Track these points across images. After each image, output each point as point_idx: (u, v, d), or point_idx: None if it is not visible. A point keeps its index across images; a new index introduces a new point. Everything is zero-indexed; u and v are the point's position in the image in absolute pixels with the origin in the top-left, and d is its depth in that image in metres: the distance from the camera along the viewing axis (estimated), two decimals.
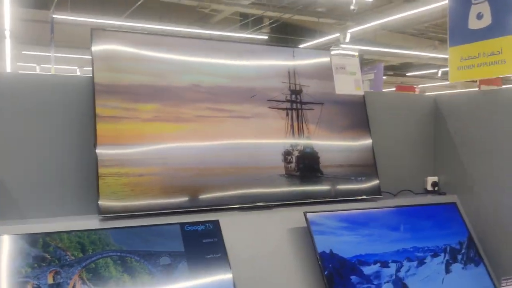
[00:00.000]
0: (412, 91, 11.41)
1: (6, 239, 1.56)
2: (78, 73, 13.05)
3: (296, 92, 2.25)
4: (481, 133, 2.41)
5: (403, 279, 2.01)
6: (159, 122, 1.95)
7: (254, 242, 1.93)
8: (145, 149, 1.91)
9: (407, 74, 16.58)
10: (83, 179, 1.89)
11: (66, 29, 9.47)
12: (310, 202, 2.15)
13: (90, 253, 1.62)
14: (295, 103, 2.24)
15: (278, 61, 2.28)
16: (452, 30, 2.51)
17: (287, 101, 2.23)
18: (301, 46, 9.78)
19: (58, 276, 1.55)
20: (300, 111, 2.25)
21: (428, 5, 8.21)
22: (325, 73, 2.36)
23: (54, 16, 8.85)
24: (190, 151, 1.98)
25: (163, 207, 1.88)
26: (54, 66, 9.89)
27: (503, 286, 1.89)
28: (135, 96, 1.93)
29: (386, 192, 2.40)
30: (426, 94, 2.87)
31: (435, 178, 2.63)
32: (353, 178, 2.28)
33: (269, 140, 2.16)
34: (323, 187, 2.23)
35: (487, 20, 2.38)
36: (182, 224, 1.78)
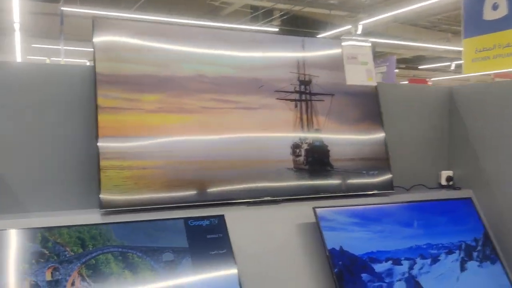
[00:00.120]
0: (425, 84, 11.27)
1: (3, 234, 1.51)
2: None
3: (305, 82, 2.18)
4: (498, 126, 2.34)
5: (416, 277, 1.95)
6: (162, 113, 1.90)
7: (261, 238, 1.88)
8: (148, 141, 1.86)
9: (420, 67, 16.42)
10: (84, 172, 1.85)
11: (75, 22, 9.46)
12: (320, 197, 2.09)
13: (90, 248, 1.57)
14: (304, 94, 2.17)
15: (287, 51, 2.21)
16: (467, 21, 2.42)
17: (296, 92, 2.16)
18: None
19: (57, 273, 1.50)
20: (309, 102, 2.18)
21: None
22: (336, 63, 2.29)
23: (63, 8, 8.84)
24: (194, 144, 1.93)
25: (167, 201, 1.83)
26: (64, 59, 9.89)
27: None
28: (138, 86, 1.88)
29: (398, 187, 2.34)
30: (441, 86, 2.78)
31: (450, 172, 2.56)
32: (364, 172, 2.22)
33: (277, 132, 2.09)
34: (333, 181, 2.16)
35: (503, 11, 2.29)
36: (186, 219, 1.73)
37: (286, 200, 2.03)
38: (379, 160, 2.27)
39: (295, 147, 2.11)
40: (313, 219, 1.90)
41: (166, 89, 1.92)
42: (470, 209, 2.27)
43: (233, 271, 1.68)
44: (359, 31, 10.11)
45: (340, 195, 2.14)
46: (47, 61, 13.20)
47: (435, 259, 2.02)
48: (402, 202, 2.15)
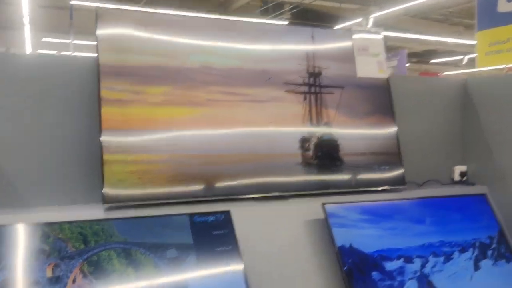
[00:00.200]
0: None
1: (3, 229, 1.48)
2: None
3: (314, 74, 2.14)
4: None
5: (428, 276, 1.90)
6: (168, 106, 1.86)
7: (268, 235, 1.84)
8: (153, 134, 1.82)
9: (431, 61, 16.26)
10: (88, 166, 1.82)
11: (85, 15, 9.44)
12: (329, 192, 2.05)
13: (93, 244, 1.53)
14: (314, 87, 2.13)
15: (296, 42, 2.16)
16: (480, 13, 2.35)
17: (305, 84, 2.11)
18: None
19: (58, 269, 1.46)
20: (318, 95, 2.13)
21: None
22: (346, 55, 2.24)
23: (72, 2, 8.82)
24: (201, 137, 1.89)
25: (172, 196, 1.80)
26: (74, 54, 9.91)
27: None
28: (143, 78, 1.84)
29: (411, 182, 2.29)
30: (455, 78, 2.73)
31: (464, 168, 2.51)
32: (375, 167, 2.17)
33: (285, 126, 2.05)
34: (343, 177, 2.12)
35: None
36: (191, 215, 1.69)
37: (294, 195, 1.99)
38: (390, 155, 2.22)
39: (304, 141, 2.07)
40: (322, 216, 1.86)
41: (172, 81, 1.88)
42: (485, 206, 2.22)
43: (239, 268, 1.64)
44: (369, 25, 10.01)
45: (350, 191, 2.10)
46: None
47: (448, 257, 1.98)
48: (414, 198, 2.11)
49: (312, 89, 2.12)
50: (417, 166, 2.36)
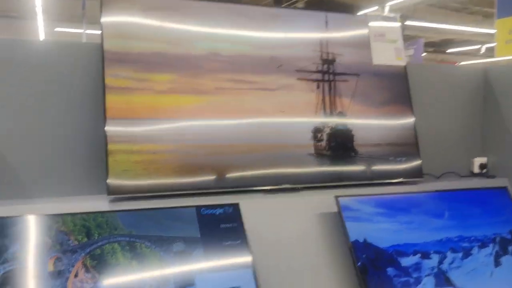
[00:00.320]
0: None
1: (4, 221, 1.43)
2: None
3: (328, 61, 2.09)
4: None
5: (446, 272, 1.84)
6: (175, 94, 1.82)
7: (278, 229, 1.79)
8: (159, 124, 1.79)
9: (448, 50, 16.04)
10: (93, 156, 1.78)
11: (97, 5, 9.42)
12: (342, 185, 2.01)
13: (96, 237, 1.49)
14: (327, 74, 2.08)
15: (308, 27, 2.10)
16: (501, 0, 2.28)
17: (318, 71, 2.06)
18: None
19: (60, 263, 1.42)
20: (332, 83, 2.08)
21: None
22: (362, 41, 2.19)
23: None
24: (208, 127, 1.85)
25: (178, 187, 1.76)
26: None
27: None
28: (148, 65, 1.80)
29: (428, 174, 2.26)
30: (475, 66, 2.67)
31: (484, 159, 2.46)
32: (391, 158, 2.13)
33: (297, 115, 2.01)
34: (357, 168, 2.07)
35: None
36: (198, 207, 1.64)
37: (306, 188, 1.95)
38: (407, 146, 2.18)
39: (317, 131, 2.02)
40: (335, 209, 1.81)
41: (179, 68, 1.85)
42: (506, 199, 2.15)
43: (247, 263, 1.59)
44: (385, 13, 9.87)
45: (364, 183, 2.06)
46: None
47: (467, 253, 1.92)
48: (431, 191, 2.05)
49: (326, 77, 2.08)
50: (435, 158, 2.32)
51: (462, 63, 15.30)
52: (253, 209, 1.73)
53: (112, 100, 1.72)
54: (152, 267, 1.50)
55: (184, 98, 1.83)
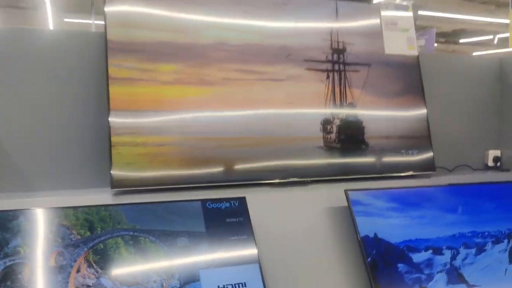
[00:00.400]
0: None
1: (4, 215, 1.41)
2: None
3: (338, 51, 2.06)
4: None
5: (459, 269, 1.80)
6: (180, 85, 1.80)
7: (286, 223, 1.76)
8: (164, 115, 1.77)
9: (460, 41, 15.86)
10: (96, 149, 1.77)
11: None
12: (352, 178, 1.99)
13: (99, 232, 1.46)
14: (337, 64, 2.05)
15: (318, 15, 2.06)
16: None
17: (328, 61, 2.04)
18: None
19: (61, 258, 1.39)
20: (342, 73, 2.05)
21: None
22: (373, 30, 2.15)
23: None
24: (215, 119, 1.83)
25: (183, 181, 1.74)
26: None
27: None
28: (153, 55, 1.78)
29: (440, 168, 2.24)
30: (489, 57, 2.63)
31: (498, 152, 2.43)
32: (403, 151, 2.10)
33: (306, 106, 1.98)
34: (368, 161, 2.04)
35: None
36: (203, 201, 1.61)
37: (314, 181, 1.93)
38: (419, 138, 2.15)
39: (326, 123, 2.00)
40: (344, 203, 1.77)
41: (184, 58, 1.82)
42: None
43: (254, 258, 1.55)
44: (397, 1, 9.74)
45: (375, 177, 2.03)
46: None
47: (480, 249, 1.87)
48: (444, 185, 2.01)
49: (336, 67, 2.05)
50: (448, 150, 2.30)
51: (475, 53, 15.13)
52: (260, 203, 1.70)
53: (115, 91, 1.70)
54: (156, 262, 1.46)
55: (190, 89, 1.81)
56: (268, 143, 1.88)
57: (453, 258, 1.81)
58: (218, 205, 1.62)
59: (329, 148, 1.99)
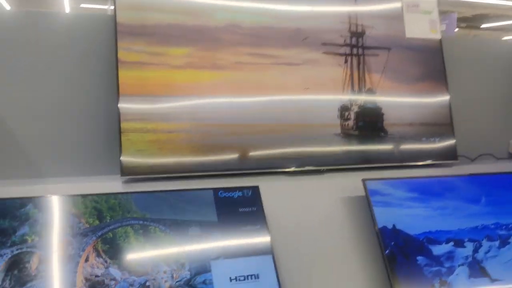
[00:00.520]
0: None
1: (11, 202, 1.39)
2: None
3: (357, 34, 2.01)
4: None
5: (481, 262, 1.75)
6: (191, 69, 1.76)
7: (301, 213, 1.72)
8: (175, 101, 1.73)
9: (482, 26, 15.58)
10: (107, 135, 1.74)
11: None
12: (370, 167, 1.95)
13: (108, 220, 1.43)
14: (356, 48, 2.00)
15: None
16: None
17: (346, 45, 1.98)
18: None
19: (70, 247, 1.36)
20: (361, 57, 2.00)
21: None
22: (394, 12, 2.09)
23: None
24: (228, 104, 1.79)
25: (195, 169, 1.71)
26: None
27: None
28: (163, 38, 1.74)
29: (462, 156, 2.17)
30: None
31: None
32: (424, 139, 2.05)
33: (323, 92, 1.93)
34: (387, 149, 2.00)
35: None
36: (215, 190, 1.58)
37: (331, 170, 1.89)
38: (441, 126, 2.10)
39: (344, 109, 1.96)
40: (362, 192, 1.73)
41: (196, 41, 1.78)
42: None
43: (267, 249, 1.52)
44: None
45: (394, 166, 1.99)
46: None
47: (504, 242, 1.82)
48: (466, 175, 1.95)
49: (354, 51, 2.00)
50: (470, 139, 2.23)
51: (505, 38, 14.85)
52: (274, 192, 1.67)
53: (125, 75, 1.67)
54: (167, 252, 1.44)
55: (202, 74, 1.77)
56: (282, 130, 1.85)
57: (475, 251, 1.77)
58: (231, 194, 1.59)
59: (346, 135, 1.95)
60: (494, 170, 2.07)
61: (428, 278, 1.66)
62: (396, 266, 1.63)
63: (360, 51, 2.01)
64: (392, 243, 1.67)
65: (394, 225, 1.70)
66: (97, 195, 1.46)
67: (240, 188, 1.60)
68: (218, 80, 1.78)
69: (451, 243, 1.75)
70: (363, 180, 1.74)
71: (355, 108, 1.98)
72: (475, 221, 1.82)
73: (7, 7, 9.54)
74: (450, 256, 1.72)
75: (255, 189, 1.61)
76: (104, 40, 1.73)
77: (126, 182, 1.63)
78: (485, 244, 1.79)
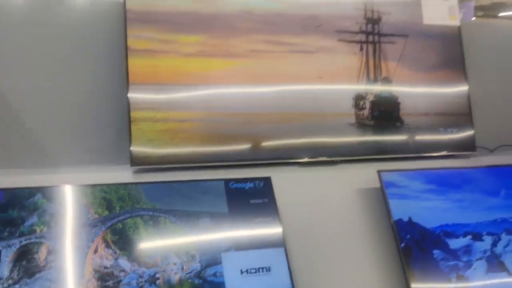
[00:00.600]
0: None
1: (20, 192, 1.37)
2: None
3: (373, 21, 1.97)
4: None
5: (499, 256, 1.72)
6: (203, 57, 1.75)
7: (314, 205, 1.70)
8: (186, 90, 1.72)
9: (500, 14, 15.35)
10: (117, 124, 1.72)
11: None
12: (386, 158, 1.92)
13: (118, 211, 1.42)
14: (371, 35, 1.97)
15: None
16: None
17: (361, 32, 1.95)
18: None
19: (78, 237, 1.35)
20: (377, 45, 1.97)
21: None
22: None
23: None
24: (240, 93, 1.78)
25: (206, 159, 1.70)
26: None
27: None
28: (175, 25, 1.73)
29: (481, 148, 2.12)
30: None
31: None
32: (441, 129, 2.01)
33: (337, 80, 1.91)
34: (403, 140, 1.97)
35: None
36: (227, 181, 1.57)
37: (345, 161, 1.87)
38: (459, 116, 2.06)
39: (359, 98, 1.93)
40: (377, 184, 1.71)
41: (208, 28, 1.77)
42: None
43: (279, 241, 1.51)
44: None
45: (410, 157, 1.96)
46: None
47: None
48: (485, 166, 1.93)
49: (370, 38, 1.97)
50: (489, 129, 2.18)
51: None
52: (287, 183, 1.66)
53: (135, 63, 1.66)
54: (177, 244, 1.43)
55: (214, 62, 1.76)
56: (296, 119, 1.83)
57: (494, 244, 1.74)
58: (242, 185, 1.58)
59: (361, 125, 1.92)
60: None
61: (445, 272, 1.63)
62: (411, 260, 1.61)
63: (376, 38, 1.98)
64: (408, 236, 1.65)
65: (410, 218, 1.68)
66: (106, 185, 1.45)
67: (252, 179, 1.59)
68: (231, 68, 1.77)
69: (469, 237, 1.72)
70: (378, 172, 1.72)
71: (371, 97, 1.95)
72: (493, 214, 1.79)
73: None
74: (467, 250, 1.70)
75: (267, 180, 1.60)
76: (113, 27, 1.71)
77: (136, 172, 1.62)
78: (504, 238, 1.76)
